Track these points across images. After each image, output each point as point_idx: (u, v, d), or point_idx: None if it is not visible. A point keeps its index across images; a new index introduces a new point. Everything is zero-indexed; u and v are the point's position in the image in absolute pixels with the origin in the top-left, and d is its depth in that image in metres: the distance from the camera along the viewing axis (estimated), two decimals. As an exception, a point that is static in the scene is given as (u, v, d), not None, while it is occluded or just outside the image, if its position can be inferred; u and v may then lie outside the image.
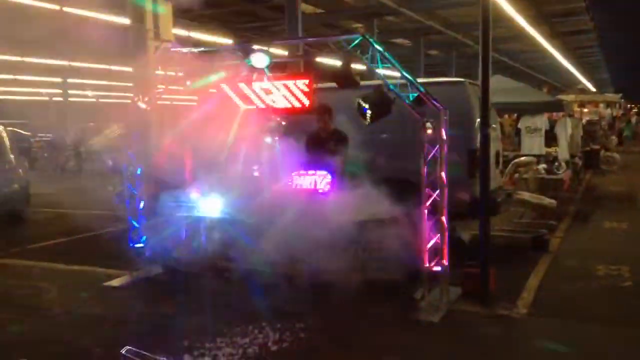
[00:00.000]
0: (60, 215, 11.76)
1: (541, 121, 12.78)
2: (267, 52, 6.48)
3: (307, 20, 19.93)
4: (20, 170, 11.33)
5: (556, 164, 11.70)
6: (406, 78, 6.02)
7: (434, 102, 5.94)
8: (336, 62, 6.27)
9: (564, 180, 11.22)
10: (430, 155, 5.94)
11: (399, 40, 28.81)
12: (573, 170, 13.15)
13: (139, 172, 7.38)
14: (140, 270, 7.26)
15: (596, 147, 19.11)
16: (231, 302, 6.16)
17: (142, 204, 7.40)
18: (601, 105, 28.24)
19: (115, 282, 7.10)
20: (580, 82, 42.24)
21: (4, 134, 11.52)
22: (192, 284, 6.73)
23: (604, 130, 24.55)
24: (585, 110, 22.84)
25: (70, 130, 30.17)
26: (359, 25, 24.20)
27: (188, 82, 6.98)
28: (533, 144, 12.71)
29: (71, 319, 5.96)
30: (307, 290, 6.06)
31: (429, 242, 5.96)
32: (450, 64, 32.91)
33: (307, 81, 6.43)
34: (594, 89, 46.92)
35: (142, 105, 7.27)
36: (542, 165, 11.28)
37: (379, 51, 6.10)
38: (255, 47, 6.59)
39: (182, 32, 19.47)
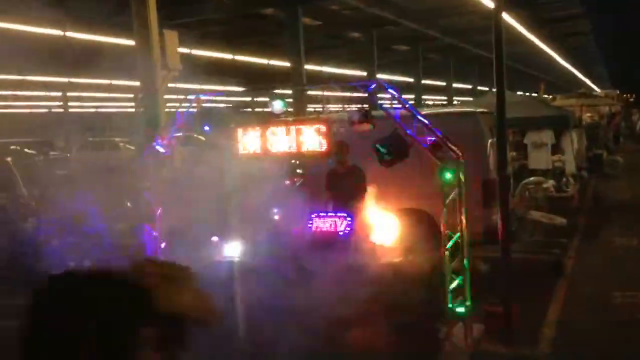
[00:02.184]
0: (76, 245, 11.78)
1: (547, 136, 12.89)
2: (283, 100, 6.57)
3: (307, 30, 20.03)
4: (33, 203, 11.39)
5: (564, 179, 11.80)
6: (422, 123, 6.12)
7: (451, 147, 6.04)
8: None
9: (573, 197, 11.33)
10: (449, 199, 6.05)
11: (397, 47, 28.94)
12: (580, 183, 13.26)
13: (158, 213, 7.48)
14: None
15: (599, 151, 19.23)
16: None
17: (162, 245, 7.49)
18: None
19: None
20: (579, 81, 42.24)
21: (12, 167, 11.57)
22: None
23: (605, 131, 24.63)
24: (588, 115, 22.93)
25: (73, 145, 30.25)
26: (359, 35, 24.33)
27: (206, 128, 7.07)
28: (540, 159, 12.82)
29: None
30: (327, 329, 6.15)
31: (451, 282, 6.07)
32: (449, 67, 33.03)
33: (324, 127, 6.52)
34: (592, 85, 47.03)
35: (161, 149, 7.36)
36: (551, 182, 11.39)
37: (394, 95, 6.20)
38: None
39: (183, 49, 19.61)
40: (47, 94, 33.67)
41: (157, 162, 7.47)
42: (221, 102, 35.41)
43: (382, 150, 6.15)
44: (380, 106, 6.24)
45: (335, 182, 7.13)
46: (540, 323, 6.61)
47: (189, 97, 7.25)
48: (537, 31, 23.17)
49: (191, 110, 7.33)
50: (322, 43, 24.45)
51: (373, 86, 6.34)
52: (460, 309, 6.07)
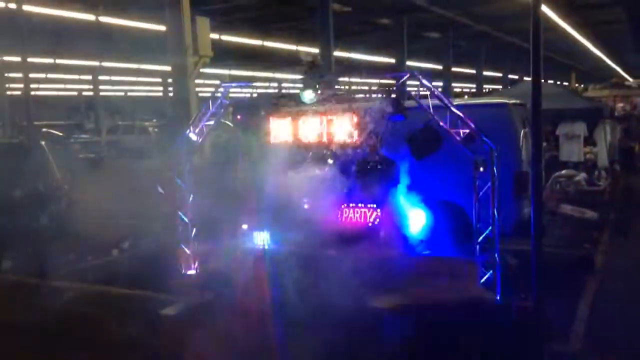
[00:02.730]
0: (105, 228, 11.97)
1: (580, 127, 12.69)
2: (315, 89, 6.55)
3: (337, 16, 19.95)
4: (66, 187, 11.58)
5: (596, 172, 11.63)
6: (456, 115, 6.08)
7: (485, 140, 5.99)
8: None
9: (605, 190, 11.17)
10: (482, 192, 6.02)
11: (427, 34, 28.64)
12: (613, 177, 13.05)
13: (190, 199, 7.57)
14: (193, 298, 7.43)
15: (632, 144, 18.87)
16: (285, 332, 6.25)
17: (194, 232, 7.59)
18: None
19: (170, 310, 7.28)
20: (613, 71, 41.30)
21: (47, 151, 11.74)
22: (245, 314, 6.85)
23: (638, 123, 24.17)
24: (620, 105, 22.50)
25: (103, 127, 30.65)
26: (388, 21, 24.13)
27: (238, 116, 7.11)
28: (572, 151, 12.64)
29: (134, 353, 6.12)
30: (349, 322, 6.18)
31: (482, 277, 6.06)
32: (479, 55, 32.63)
33: (355, 117, 6.50)
34: (624, 74, 45.99)
35: (194, 137, 7.42)
36: (583, 175, 11.23)
37: (428, 87, 6.16)
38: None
39: (213, 35, 19.69)
40: (79, 77, 34.12)
41: (189, 149, 7.55)
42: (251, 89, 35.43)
43: (415, 142, 6.13)
44: (415, 98, 6.20)
45: (366, 172, 7.11)
46: (570, 319, 6.55)
47: (223, 85, 7.29)
48: (569, 18, 22.72)
49: (222, 99, 7.37)
50: (351, 29, 24.32)
51: (406, 77, 6.30)
52: (491, 303, 6.05)
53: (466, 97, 39.99)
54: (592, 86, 29.42)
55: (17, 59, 23.05)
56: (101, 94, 37.73)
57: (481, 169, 6.00)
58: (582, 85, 35.80)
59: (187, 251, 7.61)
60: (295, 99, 6.68)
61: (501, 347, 5.56)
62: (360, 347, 5.85)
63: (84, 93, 40.12)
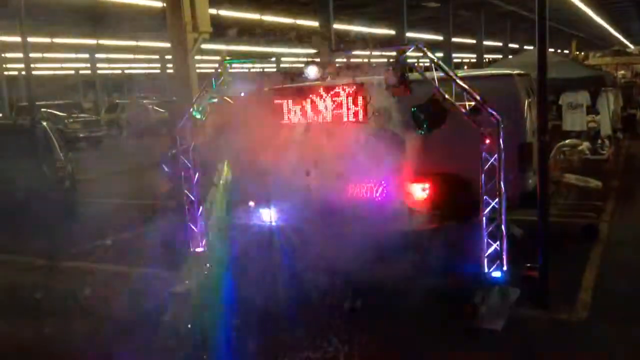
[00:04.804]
0: (111, 208, 12.03)
1: (583, 97, 12.64)
2: (319, 65, 6.50)
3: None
4: (69, 167, 11.60)
5: (599, 142, 11.62)
6: (462, 87, 6.04)
7: (491, 112, 5.97)
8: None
9: (608, 159, 11.18)
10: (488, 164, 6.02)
11: (427, 3, 28.33)
12: (616, 145, 13.06)
13: (196, 178, 7.58)
14: (201, 275, 7.49)
15: (633, 111, 18.83)
16: (291, 310, 6.31)
17: (200, 210, 7.62)
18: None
19: (179, 289, 7.35)
20: (614, 39, 40.91)
21: (50, 131, 11.73)
22: (254, 290, 6.92)
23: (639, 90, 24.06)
24: (621, 72, 22.36)
25: (102, 106, 30.53)
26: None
27: (242, 93, 7.07)
28: (575, 120, 12.62)
29: (149, 330, 6.16)
30: (364, 296, 6.25)
31: (488, 248, 6.10)
32: (479, 25, 32.32)
33: (360, 93, 6.45)
34: (626, 42, 45.60)
35: (197, 115, 7.40)
36: (586, 144, 11.23)
37: (433, 60, 6.11)
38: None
39: (211, 10, 19.47)
40: (76, 55, 33.88)
41: (193, 127, 7.52)
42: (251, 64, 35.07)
43: (420, 116, 6.10)
44: (419, 71, 6.16)
45: (373, 147, 7.10)
46: (576, 288, 6.63)
47: (225, 61, 7.24)
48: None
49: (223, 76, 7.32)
50: (350, 1, 24.04)
51: (411, 49, 6.25)
52: (497, 274, 6.10)
53: (465, 67, 39.70)
54: (592, 54, 29.19)
55: (14, 38, 22.94)
56: (99, 72, 37.50)
57: (487, 140, 5.98)
58: (582, 53, 35.49)
59: (195, 229, 7.64)
60: (299, 75, 6.62)
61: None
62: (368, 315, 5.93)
63: (82, 72, 39.91)
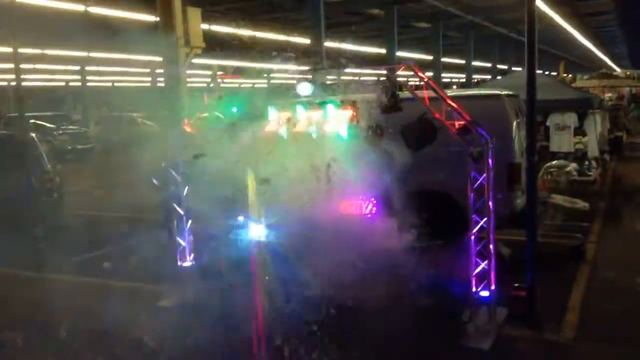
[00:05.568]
0: (98, 220, 11.96)
1: (570, 118, 12.79)
2: (312, 82, 6.54)
3: (327, 7, 19.89)
4: (57, 179, 11.54)
5: (586, 163, 11.74)
6: (452, 107, 6.10)
7: (481, 131, 6.03)
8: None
9: (595, 180, 11.28)
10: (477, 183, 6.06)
11: (417, 24, 28.65)
12: (603, 167, 13.19)
13: (185, 191, 7.57)
14: (188, 289, 7.45)
15: (619, 133, 19.06)
16: (281, 324, 6.28)
17: (189, 224, 7.60)
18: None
19: (166, 302, 7.30)
20: (600, 61, 41.52)
21: (38, 143, 11.67)
22: (242, 305, 6.88)
23: (626, 113, 24.38)
24: (608, 95, 22.67)
25: (91, 119, 30.40)
26: (379, 11, 24.10)
27: (234, 109, 7.08)
28: (562, 141, 12.75)
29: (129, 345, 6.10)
30: (351, 314, 6.24)
31: (476, 267, 6.12)
32: (469, 45, 32.67)
33: (349, 113, 6.47)
34: (613, 65, 46.27)
35: (187, 129, 7.40)
36: (573, 165, 11.33)
37: (423, 79, 6.18)
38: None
39: (203, 26, 19.57)
40: (66, 67, 33.79)
41: (183, 141, 7.52)
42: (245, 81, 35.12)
43: (409, 134, 6.14)
44: (409, 89, 6.22)
45: (364, 164, 7.12)
46: (563, 308, 6.65)
47: (219, 73, 7.25)
48: (558, 8, 22.81)
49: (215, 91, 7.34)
50: (342, 20, 24.27)
51: (401, 68, 6.32)
52: (485, 293, 6.12)
53: (454, 87, 40.07)
54: (580, 76, 29.55)
55: (3, 49, 22.88)
56: (88, 84, 37.45)
57: (476, 160, 6.02)
58: (570, 75, 35.95)
59: (183, 243, 7.62)
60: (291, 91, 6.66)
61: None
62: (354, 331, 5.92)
63: (71, 84, 39.81)
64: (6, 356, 6.18)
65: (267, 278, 6.87)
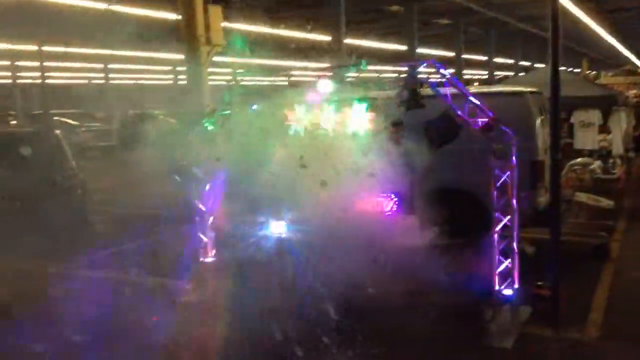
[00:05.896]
0: (121, 216, 12.08)
1: (594, 115, 12.62)
2: (333, 80, 6.54)
3: (347, 4, 19.88)
4: (81, 175, 11.66)
5: (611, 161, 11.58)
6: (474, 104, 6.06)
7: (504, 128, 5.98)
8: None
9: (619, 178, 11.14)
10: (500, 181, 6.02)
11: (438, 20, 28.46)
12: (627, 164, 13.00)
13: (207, 188, 7.61)
14: (211, 284, 7.50)
15: (644, 131, 18.73)
16: (303, 321, 6.27)
17: (210, 220, 7.64)
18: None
19: (187, 297, 7.35)
20: (625, 58, 40.83)
21: (62, 140, 11.79)
22: (265, 300, 6.88)
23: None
24: (633, 92, 22.32)
25: (115, 117, 30.65)
26: (399, 8, 24.00)
27: (254, 107, 7.11)
28: (586, 139, 12.59)
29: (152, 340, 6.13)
30: (373, 311, 6.22)
31: (499, 265, 6.07)
32: (490, 42, 32.41)
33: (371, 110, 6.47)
34: (637, 62, 45.46)
35: (210, 126, 7.44)
36: (598, 163, 11.19)
37: (445, 76, 6.14)
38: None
39: (223, 24, 19.67)
40: (89, 65, 34.15)
41: (205, 138, 7.57)
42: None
43: (432, 131, 6.11)
44: (432, 86, 6.19)
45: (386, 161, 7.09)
46: (587, 307, 6.57)
47: (238, 72, 7.29)
48: (582, 5, 22.52)
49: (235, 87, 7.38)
50: (361, 17, 24.20)
51: (423, 65, 6.28)
52: (508, 292, 6.08)
53: (476, 84, 39.78)
54: (603, 73, 29.18)
55: (28, 47, 23.21)
56: (111, 82, 37.82)
57: (499, 157, 5.98)
58: (593, 72, 35.48)
59: (205, 239, 7.66)
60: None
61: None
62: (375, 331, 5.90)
63: (94, 82, 40.23)
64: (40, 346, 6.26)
65: (292, 274, 6.94)
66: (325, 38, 21.62)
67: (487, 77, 37.17)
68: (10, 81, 35.93)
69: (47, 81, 31.82)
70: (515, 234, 6.02)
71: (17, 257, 9.02)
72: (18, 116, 31.10)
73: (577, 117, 12.81)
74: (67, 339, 6.15)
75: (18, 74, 34.72)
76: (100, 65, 34.77)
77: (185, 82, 13.48)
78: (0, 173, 10.24)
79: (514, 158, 5.95)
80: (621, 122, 13.13)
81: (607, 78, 23.41)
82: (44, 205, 10.19)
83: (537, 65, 38.22)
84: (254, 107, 7.18)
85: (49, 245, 9.23)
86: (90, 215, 11.67)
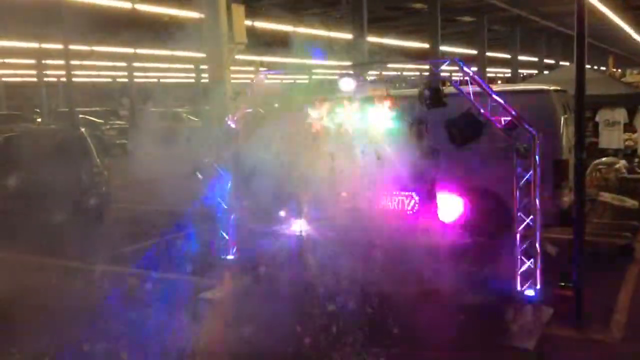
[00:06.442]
0: (145, 213, 12.21)
1: (620, 114, 12.45)
2: (354, 77, 6.55)
3: (368, 2, 19.85)
4: (105, 172, 11.81)
5: (636, 160, 11.42)
6: (498, 102, 6.02)
7: (527, 127, 5.94)
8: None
9: (645, 178, 10.98)
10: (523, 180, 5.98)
11: (461, 18, 28.26)
12: (654, 164, 12.80)
13: (229, 186, 7.67)
14: (231, 282, 7.55)
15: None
16: (320, 320, 6.29)
17: (232, 217, 7.70)
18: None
19: (209, 294, 7.41)
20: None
21: (87, 137, 11.95)
22: (283, 298, 6.92)
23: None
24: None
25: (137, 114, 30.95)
26: (421, 6, 23.87)
27: (276, 105, 7.15)
28: (612, 138, 12.43)
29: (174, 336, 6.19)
30: (394, 310, 6.20)
31: (521, 266, 6.03)
32: (514, 39, 32.09)
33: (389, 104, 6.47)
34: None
35: (232, 125, 7.50)
36: (623, 162, 11.04)
37: (468, 74, 6.11)
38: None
39: (246, 22, 19.74)
40: (113, 64, 34.54)
41: (228, 136, 7.63)
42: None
43: (454, 129, 6.09)
44: (455, 85, 6.16)
45: (408, 160, 7.08)
46: (611, 308, 6.49)
47: (261, 70, 7.33)
48: (608, 2, 22.20)
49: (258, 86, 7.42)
50: (383, 15, 24.14)
51: (446, 63, 6.27)
52: (530, 292, 6.03)
53: (499, 82, 39.39)
54: (629, 71, 28.72)
55: (54, 46, 23.55)
56: (135, 80, 38.20)
57: (522, 156, 5.94)
58: (619, 70, 34.91)
59: (226, 236, 7.72)
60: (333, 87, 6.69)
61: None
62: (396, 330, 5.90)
63: (118, 80, 40.70)
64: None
65: (313, 273, 6.96)
66: (347, 36, 21.58)
67: (510, 75, 36.80)
68: (35, 79, 36.50)
69: (73, 79, 32.29)
70: (538, 234, 5.97)
71: (41, 253, 9.20)
72: (42, 114, 31.56)
73: (602, 115, 12.65)
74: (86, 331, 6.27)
75: (44, 72, 35.23)
76: (124, 64, 35.12)
77: (207, 80, 13.54)
78: (26, 171, 10.40)
79: (537, 157, 5.89)
80: (647, 121, 12.95)
81: (633, 76, 23.06)
82: (69, 203, 10.35)
83: (561, 63, 37.76)
84: (276, 105, 7.24)
85: (73, 243, 9.39)
86: (114, 212, 11.82)
